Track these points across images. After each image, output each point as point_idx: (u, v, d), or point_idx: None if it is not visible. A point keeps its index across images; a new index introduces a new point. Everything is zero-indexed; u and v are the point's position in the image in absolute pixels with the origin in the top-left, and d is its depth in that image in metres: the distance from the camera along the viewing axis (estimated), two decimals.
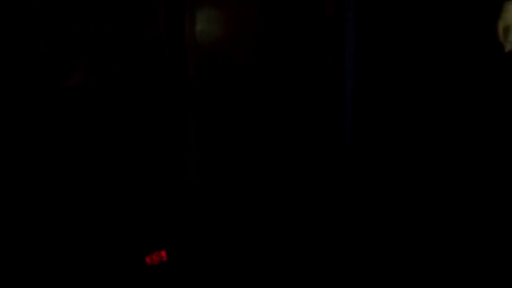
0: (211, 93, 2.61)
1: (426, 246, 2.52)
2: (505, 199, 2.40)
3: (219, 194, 2.67)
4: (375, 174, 2.64)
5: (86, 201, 2.42)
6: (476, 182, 2.43)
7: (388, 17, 2.53)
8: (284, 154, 2.72)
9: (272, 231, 2.71)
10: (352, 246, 2.64)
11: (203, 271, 2.57)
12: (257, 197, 2.70)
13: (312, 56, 2.65)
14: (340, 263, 2.64)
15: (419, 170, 2.55)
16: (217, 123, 2.64)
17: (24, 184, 2.29)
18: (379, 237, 2.62)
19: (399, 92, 2.53)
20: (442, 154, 2.50)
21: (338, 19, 2.55)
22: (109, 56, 2.45)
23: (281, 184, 2.73)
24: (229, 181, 2.67)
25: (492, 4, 2.28)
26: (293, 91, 2.72)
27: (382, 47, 2.53)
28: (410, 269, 2.54)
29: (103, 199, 2.45)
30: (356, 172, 2.66)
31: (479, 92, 2.38)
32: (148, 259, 2.50)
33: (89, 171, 2.42)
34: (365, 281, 2.58)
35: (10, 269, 2.21)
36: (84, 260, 2.40)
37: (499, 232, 2.42)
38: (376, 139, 2.62)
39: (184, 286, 2.54)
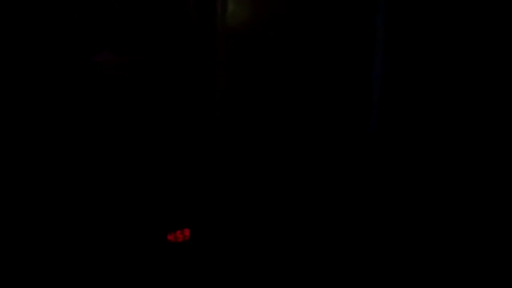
0: (241, 74, 2.60)
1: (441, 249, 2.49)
2: None
3: (242, 175, 2.67)
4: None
5: (109, 173, 2.46)
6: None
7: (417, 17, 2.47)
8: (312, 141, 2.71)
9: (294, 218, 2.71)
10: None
11: (225, 251, 2.60)
12: (279, 181, 2.70)
13: (344, 44, 2.61)
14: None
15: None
16: (247, 113, 2.63)
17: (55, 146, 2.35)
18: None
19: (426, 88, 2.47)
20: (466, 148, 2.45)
21: (369, 19, 2.50)
22: (138, 35, 2.47)
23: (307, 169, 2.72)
24: (255, 163, 2.67)
25: None
26: (322, 73, 2.69)
27: (412, 50, 2.47)
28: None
29: (128, 172, 2.49)
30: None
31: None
32: (171, 237, 2.54)
33: (113, 140, 2.46)
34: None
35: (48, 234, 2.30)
36: (107, 238, 2.45)
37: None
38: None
39: (206, 265, 2.57)
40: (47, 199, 2.36)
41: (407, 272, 2.53)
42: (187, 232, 2.57)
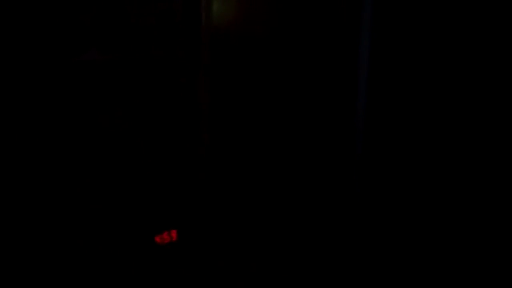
0: (225, 73, 2.58)
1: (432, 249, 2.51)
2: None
3: (230, 176, 2.66)
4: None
5: (94, 172, 2.43)
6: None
7: (405, 14, 2.47)
8: (296, 142, 2.70)
9: (279, 221, 2.70)
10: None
11: (212, 251, 2.58)
12: (264, 181, 2.69)
13: (329, 39, 2.61)
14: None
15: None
16: (232, 113, 2.62)
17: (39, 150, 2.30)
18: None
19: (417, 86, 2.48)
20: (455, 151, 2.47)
21: (353, 13, 2.50)
22: (124, 33, 2.43)
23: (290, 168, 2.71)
24: (241, 161, 2.66)
25: None
26: (305, 73, 2.68)
27: (398, 49, 2.47)
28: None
29: (114, 174, 2.45)
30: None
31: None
32: (158, 239, 2.51)
33: (98, 140, 2.42)
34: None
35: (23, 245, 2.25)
36: (94, 240, 2.41)
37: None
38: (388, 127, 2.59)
39: (193, 266, 2.55)
40: (31, 201, 2.32)
41: (396, 272, 2.55)
42: (174, 233, 2.55)
